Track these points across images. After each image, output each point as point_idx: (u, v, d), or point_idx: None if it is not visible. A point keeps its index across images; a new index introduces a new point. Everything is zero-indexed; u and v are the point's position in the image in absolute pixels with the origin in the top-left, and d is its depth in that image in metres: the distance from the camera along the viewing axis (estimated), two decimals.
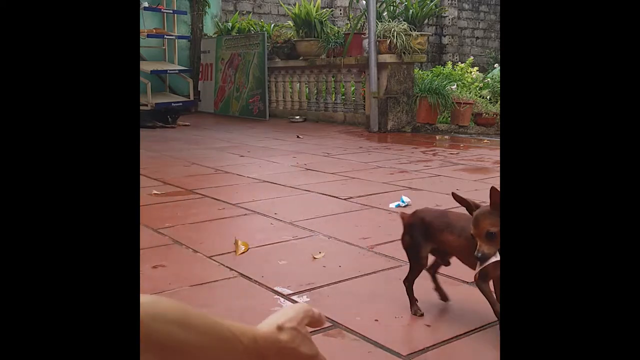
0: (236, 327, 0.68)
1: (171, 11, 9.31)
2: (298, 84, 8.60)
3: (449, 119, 7.19)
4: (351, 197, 3.29)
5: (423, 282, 1.80)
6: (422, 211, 1.75)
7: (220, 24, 10.08)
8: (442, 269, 1.83)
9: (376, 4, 6.97)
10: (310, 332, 1.56)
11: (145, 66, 8.26)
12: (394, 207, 3.04)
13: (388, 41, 6.78)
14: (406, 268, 2.11)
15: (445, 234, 1.66)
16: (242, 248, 2.31)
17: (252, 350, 0.68)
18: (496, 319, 1.55)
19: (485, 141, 6.06)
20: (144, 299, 0.59)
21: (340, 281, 1.97)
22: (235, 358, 0.67)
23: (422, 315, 1.70)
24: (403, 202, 3.08)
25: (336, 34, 7.94)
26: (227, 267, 2.12)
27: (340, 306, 1.76)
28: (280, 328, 0.73)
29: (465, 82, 7.83)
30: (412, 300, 1.74)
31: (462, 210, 1.61)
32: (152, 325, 0.58)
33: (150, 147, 5.56)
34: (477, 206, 1.55)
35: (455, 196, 1.61)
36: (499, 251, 1.43)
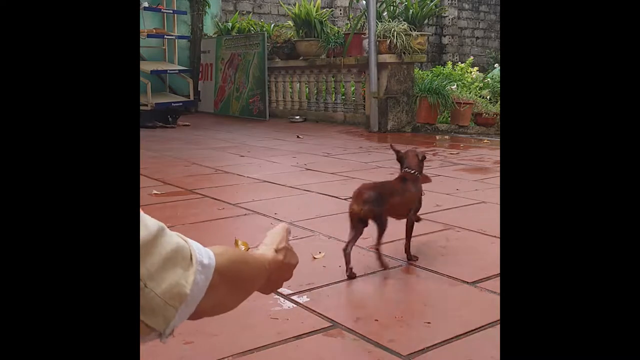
0: (262, 257, 0.92)
1: (171, 11, 9.31)
2: (298, 84, 8.60)
3: (449, 119, 7.19)
4: (351, 197, 3.29)
5: (424, 282, 1.79)
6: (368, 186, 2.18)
7: (220, 24, 10.08)
8: (447, 269, 1.82)
9: (376, 4, 6.96)
10: (310, 331, 1.57)
11: (145, 66, 8.26)
12: None
13: (388, 41, 6.78)
14: (405, 268, 2.11)
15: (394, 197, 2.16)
16: (242, 248, 2.31)
17: (267, 272, 0.91)
18: None
19: (485, 141, 6.06)
20: (217, 249, 0.78)
21: (340, 281, 1.97)
22: (263, 280, 0.92)
23: (354, 277, 1.99)
24: None
25: (336, 34, 7.94)
26: None
27: (340, 306, 1.76)
28: (277, 250, 0.94)
29: (465, 82, 7.83)
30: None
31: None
32: (228, 265, 0.78)
33: (150, 147, 5.56)
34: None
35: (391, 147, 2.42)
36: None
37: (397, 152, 2.38)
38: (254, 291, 0.92)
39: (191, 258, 0.72)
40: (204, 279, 0.72)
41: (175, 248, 0.70)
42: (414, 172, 2.29)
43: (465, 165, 4.48)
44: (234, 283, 0.81)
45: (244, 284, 0.86)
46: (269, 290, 0.97)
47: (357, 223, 2.10)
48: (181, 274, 0.69)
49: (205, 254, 0.75)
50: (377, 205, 2.08)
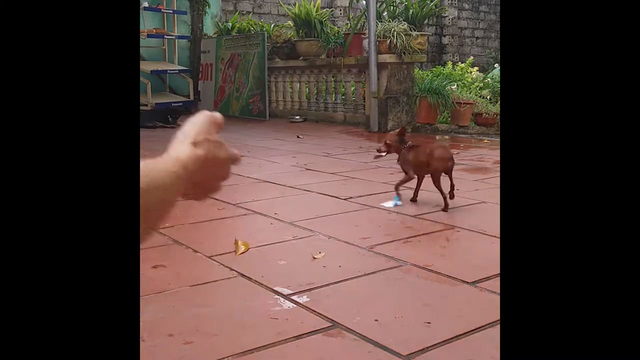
0: (169, 164, 0.69)
1: (171, 11, 9.30)
2: (298, 84, 8.60)
3: (449, 119, 7.19)
4: (351, 197, 3.29)
5: (416, 280, 1.78)
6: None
7: (220, 24, 10.08)
8: (447, 269, 1.82)
9: (376, 4, 6.96)
10: (310, 331, 1.57)
11: (145, 66, 8.26)
12: (388, 206, 3.06)
13: (388, 41, 6.78)
14: (405, 268, 2.11)
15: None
16: (242, 248, 2.31)
17: (186, 178, 0.69)
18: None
19: (485, 141, 6.06)
20: None
21: (340, 281, 1.97)
22: (179, 192, 0.70)
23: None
24: (398, 201, 3.11)
25: (336, 34, 7.94)
26: (227, 267, 2.12)
27: (340, 306, 1.76)
28: (195, 144, 0.72)
29: (465, 82, 7.83)
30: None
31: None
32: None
33: (150, 147, 5.50)
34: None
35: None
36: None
37: (403, 134, 3.19)
38: (171, 205, 0.70)
39: None
40: None
41: None
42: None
43: (465, 165, 4.47)
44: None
45: (145, 212, 0.64)
46: (202, 194, 0.76)
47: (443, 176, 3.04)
48: None
49: None
50: None
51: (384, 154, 3.21)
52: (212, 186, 0.76)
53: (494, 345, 1.49)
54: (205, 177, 0.73)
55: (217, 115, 0.76)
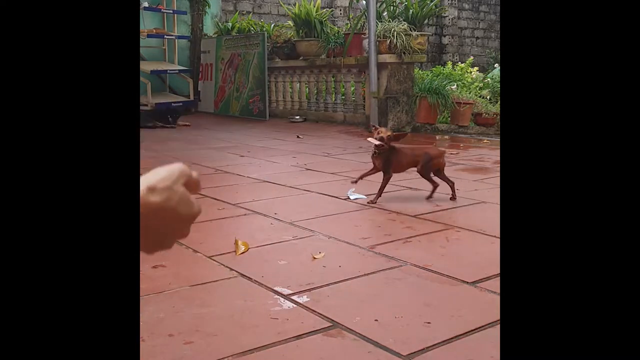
0: None
1: (171, 11, 9.30)
2: (298, 84, 8.59)
3: (449, 119, 7.18)
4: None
5: (416, 279, 1.78)
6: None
7: (220, 24, 10.08)
8: (447, 269, 1.82)
9: (376, 4, 6.96)
10: (310, 331, 1.57)
11: (145, 66, 8.25)
12: (353, 197, 3.28)
13: (388, 41, 6.78)
14: (405, 268, 2.12)
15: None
16: (242, 248, 2.31)
17: None
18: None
19: (485, 141, 6.06)
20: None
21: (340, 281, 1.97)
22: None
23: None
24: (359, 195, 3.31)
25: (336, 34, 7.94)
26: (227, 267, 2.12)
27: (340, 306, 1.76)
28: (151, 189, 0.63)
29: (465, 82, 7.82)
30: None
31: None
32: None
33: (150, 147, 5.56)
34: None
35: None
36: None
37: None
38: None
39: None
40: None
41: None
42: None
43: (465, 165, 4.48)
44: None
45: None
46: (149, 247, 0.67)
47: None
48: None
49: None
50: None
51: (380, 143, 3.28)
52: (163, 241, 0.68)
53: (494, 345, 1.49)
54: (155, 229, 0.64)
55: (194, 173, 0.69)
